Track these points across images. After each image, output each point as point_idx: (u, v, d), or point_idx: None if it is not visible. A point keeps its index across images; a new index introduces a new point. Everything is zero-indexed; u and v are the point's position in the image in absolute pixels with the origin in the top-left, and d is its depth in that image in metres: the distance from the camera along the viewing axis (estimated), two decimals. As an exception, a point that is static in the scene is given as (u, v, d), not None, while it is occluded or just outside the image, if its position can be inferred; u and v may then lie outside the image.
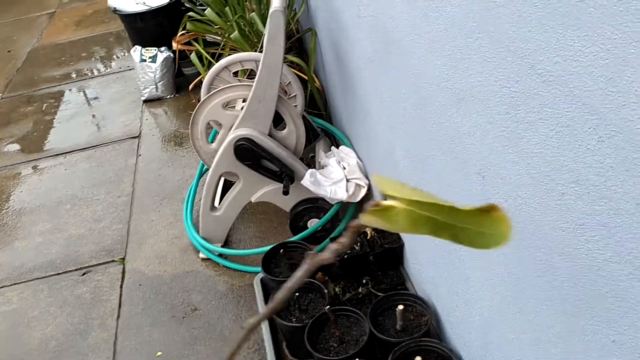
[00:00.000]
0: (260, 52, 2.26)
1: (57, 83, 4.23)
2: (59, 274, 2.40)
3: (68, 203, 2.85)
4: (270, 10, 1.83)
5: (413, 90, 1.37)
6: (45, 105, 3.95)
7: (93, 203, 2.82)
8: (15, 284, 2.39)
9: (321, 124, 2.45)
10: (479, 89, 1.01)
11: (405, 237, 1.88)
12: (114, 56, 4.52)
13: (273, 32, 1.86)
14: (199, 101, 2.90)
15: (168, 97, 3.62)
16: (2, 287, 2.40)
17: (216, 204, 2.34)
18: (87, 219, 2.70)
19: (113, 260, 2.42)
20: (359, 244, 1.93)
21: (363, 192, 2.12)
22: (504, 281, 1.12)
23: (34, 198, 2.96)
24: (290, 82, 2.25)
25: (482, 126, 1.04)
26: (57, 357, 2.04)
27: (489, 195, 1.08)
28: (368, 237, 1.94)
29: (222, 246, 2.32)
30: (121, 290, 2.26)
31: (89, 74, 4.30)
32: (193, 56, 2.58)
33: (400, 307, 1.62)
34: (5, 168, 3.31)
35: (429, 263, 1.64)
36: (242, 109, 2.16)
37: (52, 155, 3.32)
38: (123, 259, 2.42)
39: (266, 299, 1.96)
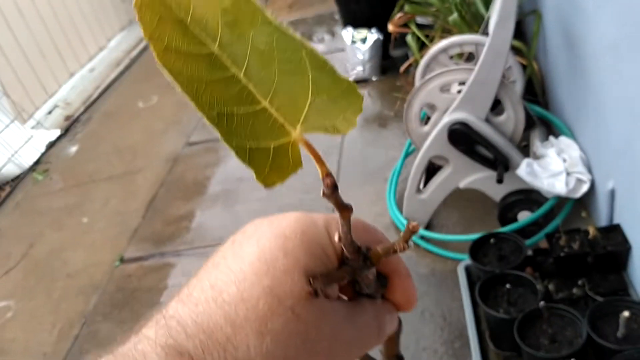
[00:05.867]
0: (483, 34, 2.21)
1: (272, 62, 4.58)
2: (273, 237, 2.63)
3: (281, 174, 3.10)
4: (503, -8, 1.78)
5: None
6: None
7: (304, 175, 2.96)
8: (236, 242, 2.68)
9: (539, 112, 2.33)
10: None
11: (635, 240, 1.72)
12: (324, 38, 4.75)
13: (504, 15, 1.80)
14: (409, 84, 2.94)
15: (373, 78, 3.71)
16: (226, 243, 2.70)
17: (421, 186, 2.36)
18: (298, 190, 2.91)
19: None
20: (577, 242, 1.81)
21: (585, 187, 1.98)
22: None
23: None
24: (510, 66, 2.17)
25: None
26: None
27: None
28: (589, 236, 1.81)
29: (424, 229, 2.34)
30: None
31: (301, 54, 4.58)
32: (409, 38, 2.62)
33: (626, 313, 1.51)
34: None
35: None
36: (458, 92, 2.14)
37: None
38: (329, 230, 2.57)
39: (470, 287, 1.94)
